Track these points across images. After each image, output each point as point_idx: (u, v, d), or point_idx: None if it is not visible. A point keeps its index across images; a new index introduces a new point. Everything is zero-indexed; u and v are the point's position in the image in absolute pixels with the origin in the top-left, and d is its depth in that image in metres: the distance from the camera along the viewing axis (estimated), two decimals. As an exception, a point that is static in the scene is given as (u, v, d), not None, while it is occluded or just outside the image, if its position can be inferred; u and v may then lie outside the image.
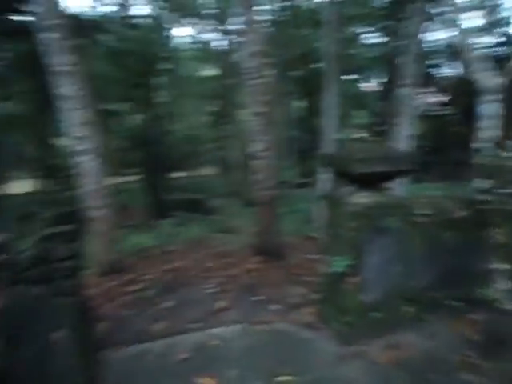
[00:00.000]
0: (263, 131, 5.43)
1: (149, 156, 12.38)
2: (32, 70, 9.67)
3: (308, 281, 4.43)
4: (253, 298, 4.18)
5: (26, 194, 14.64)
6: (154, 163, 12.41)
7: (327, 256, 3.45)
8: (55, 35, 4.69)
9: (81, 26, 9.35)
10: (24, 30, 8.21)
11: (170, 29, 14.02)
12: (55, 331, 2.39)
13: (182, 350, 3.11)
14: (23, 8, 8.54)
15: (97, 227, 5.07)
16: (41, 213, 2.95)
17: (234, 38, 11.68)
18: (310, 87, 14.12)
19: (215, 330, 3.46)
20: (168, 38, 14.18)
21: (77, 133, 4.97)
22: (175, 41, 15.02)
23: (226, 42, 12.97)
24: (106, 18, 12.41)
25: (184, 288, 4.61)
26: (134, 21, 12.88)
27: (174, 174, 14.94)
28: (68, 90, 4.84)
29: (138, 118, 13.95)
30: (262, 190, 5.52)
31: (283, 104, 13.05)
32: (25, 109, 14.17)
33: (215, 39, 14.14)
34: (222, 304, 4.06)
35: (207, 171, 18.67)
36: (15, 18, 9.30)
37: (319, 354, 3.04)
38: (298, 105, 17.21)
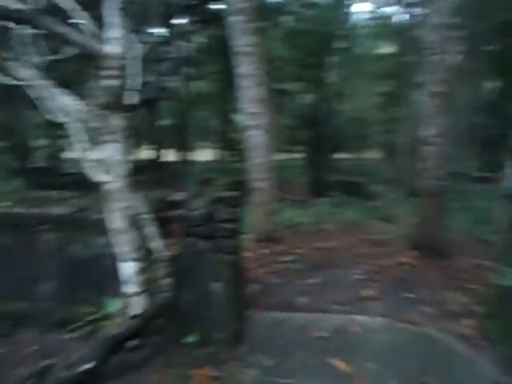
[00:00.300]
0: (439, 114, 4.83)
1: (315, 135, 12.60)
2: (220, 52, 10.89)
3: (472, 289, 3.86)
4: (403, 294, 3.89)
5: (207, 161, 17.00)
6: (318, 143, 12.57)
7: (503, 266, 2.91)
8: (240, 18, 5.13)
9: (265, 9, 9.98)
10: (216, 17, 9.26)
11: (349, 5, 13.63)
12: (213, 282, 2.75)
13: (320, 329, 3.15)
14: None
15: (258, 197, 5.50)
16: (215, 179, 3.36)
17: (417, 10, 10.55)
18: (509, 65, 11.78)
19: (358, 318, 3.37)
20: (347, 15, 13.84)
21: (251, 109, 5.42)
22: (353, 17, 14.55)
23: (407, 16, 11.85)
24: (288, 1, 12.87)
25: (332, 268, 4.63)
26: (315, 0, 12.97)
27: (337, 155, 14.86)
28: (247, 69, 5.27)
29: (308, 98, 14.26)
30: (430, 179, 4.98)
31: (469, 84, 11.28)
32: (212, 87, 16.18)
33: (396, 13, 13.08)
34: (368, 292, 3.92)
35: (371, 155, 17.92)
36: (211, 6, 10.55)
37: (474, 374, 2.64)
38: (489, 85, 14.62)
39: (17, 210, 3.06)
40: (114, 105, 2.31)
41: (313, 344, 2.96)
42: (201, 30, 10.93)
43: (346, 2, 13.29)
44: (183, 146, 15.35)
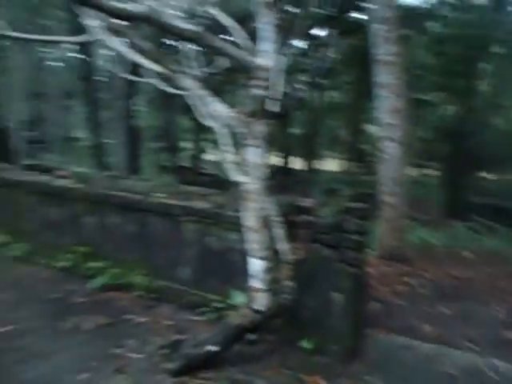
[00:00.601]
0: None
1: (455, 150, 11.40)
2: (358, 62, 10.69)
3: None
4: (561, 346, 3.24)
5: (333, 171, 16.88)
6: (459, 159, 11.33)
7: None
8: (383, 27, 4.97)
9: (410, 16, 9.46)
10: (357, 26, 9.15)
11: (513, 5, 11.93)
12: (334, 292, 2.72)
13: (450, 365, 2.83)
14: (362, 5, 9.45)
15: (386, 213, 5.23)
16: (342, 189, 3.34)
17: None
18: None
19: (495, 362, 2.93)
20: (509, 15, 12.13)
21: (387, 120, 5.20)
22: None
23: None
24: (436, 5, 11.91)
25: (466, 300, 4.13)
26: (468, 3, 11.72)
27: (482, 174, 13.16)
28: (386, 78, 5.09)
29: (450, 109, 12.97)
30: None
31: None
32: (345, 97, 16.00)
33: None
34: (512, 336, 3.38)
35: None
36: (352, 15, 10.45)
37: None
38: None
39: (168, 201, 3.53)
40: (259, 113, 2.50)
41: (437, 380, 2.69)
42: (339, 40, 10.93)
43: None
44: (311, 154, 15.54)
